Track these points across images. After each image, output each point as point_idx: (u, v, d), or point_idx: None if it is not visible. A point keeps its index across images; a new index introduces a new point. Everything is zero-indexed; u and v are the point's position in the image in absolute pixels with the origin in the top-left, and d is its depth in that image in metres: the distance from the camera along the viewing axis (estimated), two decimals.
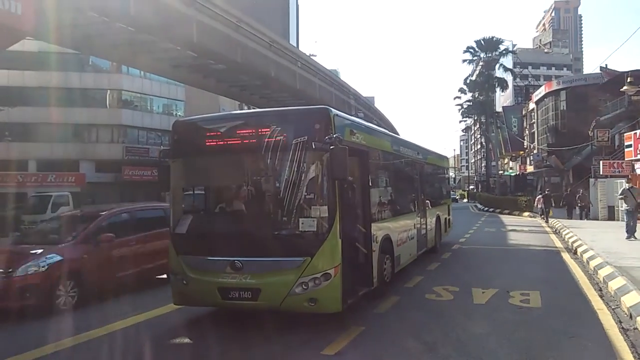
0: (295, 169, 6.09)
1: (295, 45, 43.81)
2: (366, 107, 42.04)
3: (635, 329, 6.02)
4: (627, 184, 14.98)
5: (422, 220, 11.29)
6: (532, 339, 5.76)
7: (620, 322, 6.41)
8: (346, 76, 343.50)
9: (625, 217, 14.46)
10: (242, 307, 6.44)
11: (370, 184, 7.58)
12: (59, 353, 5.77)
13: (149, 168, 34.45)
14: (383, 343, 5.74)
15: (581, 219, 23.65)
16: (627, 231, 13.88)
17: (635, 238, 13.63)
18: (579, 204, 24.42)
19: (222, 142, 6.70)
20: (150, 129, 42.39)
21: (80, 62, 38.09)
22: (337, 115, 6.50)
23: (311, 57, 34.20)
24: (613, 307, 7.21)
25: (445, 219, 14.49)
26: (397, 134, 47.82)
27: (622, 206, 14.72)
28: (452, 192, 61.75)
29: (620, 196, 14.74)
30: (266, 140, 6.23)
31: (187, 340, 6.32)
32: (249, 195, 6.69)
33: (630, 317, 6.46)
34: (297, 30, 78.98)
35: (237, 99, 30.66)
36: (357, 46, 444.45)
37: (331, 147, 5.86)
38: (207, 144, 6.77)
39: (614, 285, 8.10)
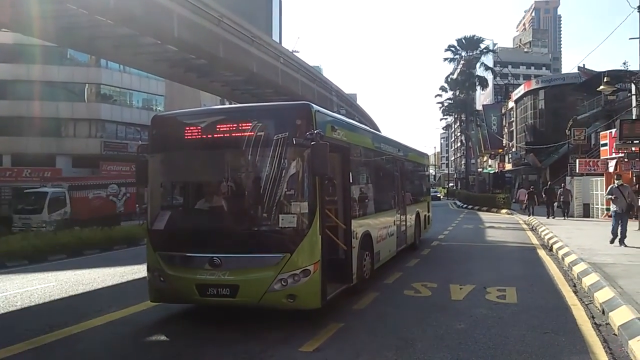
0: (276, 164, 6.08)
1: (278, 41, 43.65)
2: (348, 104, 42.12)
3: (608, 324, 6.17)
4: (616, 181, 12.96)
5: (402, 217, 11.38)
6: (508, 334, 5.86)
7: (593, 317, 6.58)
8: (329, 73, 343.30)
9: (613, 219, 12.52)
10: (220, 304, 6.37)
11: (351, 181, 7.59)
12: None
13: (127, 163, 33.95)
14: (362, 339, 5.77)
15: (563, 216, 22.91)
16: (612, 233, 12.36)
17: (625, 245, 12.02)
18: (561, 200, 23.46)
19: (201, 138, 6.60)
20: (129, 123, 41.83)
21: (58, 55, 37.38)
22: (318, 111, 6.49)
23: (294, 53, 34.11)
24: (586, 302, 7.39)
25: (425, 215, 14.63)
26: (379, 131, 48.09)
27: (612, 207, 12.70)
28: (434, 190, 62.71)
29: (609, 196, 12.74)
30: (247, 135, 6.21)
31: (163, 338, 6.27)
32: (229, 191, 6.61)
33: (603, 312, 6.62)
34: (280, 27, 78.53)
35: (218, 95, 30.42)
36: (340, 43, 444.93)
37: (312, 143, 5.85)
38: (187, 139, 6.66)
39: (587, 281, 8.29)
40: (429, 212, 15.42)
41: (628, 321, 5.71)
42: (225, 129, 6.51)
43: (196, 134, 6.66)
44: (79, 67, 39.50)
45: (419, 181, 15.05)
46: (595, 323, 6.29)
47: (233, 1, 34.59)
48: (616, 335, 5.71)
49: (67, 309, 7.74)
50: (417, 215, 13.31)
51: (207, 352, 5.49)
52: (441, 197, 55.87)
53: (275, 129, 6.16)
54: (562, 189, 23.63)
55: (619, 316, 6.01)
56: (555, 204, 23.87)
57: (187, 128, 6.73)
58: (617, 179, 12.96)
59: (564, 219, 21.95)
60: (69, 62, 39.35)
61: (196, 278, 6.11)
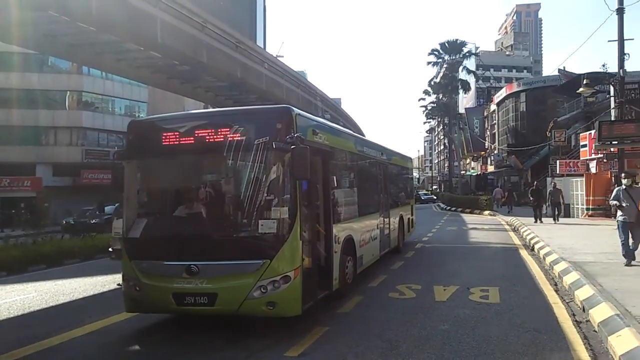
0: (256, 169, 6.00)
1: (262, 46, 43.62)
2: (332, 109, 42.24)
3: (588, 321, 6.29)
4: (624, 180, 9.98)
5: (385, 220, 11.41)
6: (491, 333, 5.93)
7: (574, 315, 6.69)
8: (313, 78, 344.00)
9: (619, 231, 9.70)
10: (198, 313, 6.27)
11: (333, 185, 7.58)
12: None
13: (109, 171, 33.58)
14: (347, 342, 5.79)
15: (554, 219, 20.18)
16: (625, 254, 9.53)
17: (635, 261, 9.46)
18: (551, 200, 20.93)
19: (179, 143, 6.48)
20: (111, 131, 41.40)
21: (38, 62, 36.97)
22: (299, 114, 6.43)
23: (278, 58, 34.15)
24: (567, 300, 7.51)
25: (409, 219, 14.67)
26: (363, 135, 48.28)
27: (618, 216, 9.82)
28: (426, 192, 62.62)
29: (614, 202, 9.79)
30: (225, 140, 6.12)
31: (144, 347, 6.15)
32: (207, 197, 6.49)
33: (583, 310, 6.74)
34: (264, 32, 78.59)
35: (202, 101, 30.30)
36: (325, 48, 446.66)
37: (292, 147, 5.79)
38: (164, 144, 6.53)
39: (568, 279, 8.43)
40: (412, 215, 15.46)
41: (607, 318, 5.82)
42: (203, 133, 6.37)
43: (174, 139, 6.53)
44: (60, 75, 39.09)
45: (402, 184, 15.04)
46: (576, 320, 6.41)
47: (217, 7, 34.66)
48: (596, 331, 5.81)
49: (47, 320, 7.61)
50: (401, 218, 13.34)
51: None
52: (435, 197, 55.74)
53: (255, 133, 6.06)
54: (552, 189, 21.27)
55: (599, 313, 6.13)
56: (544, 205, 21.74)
57: (165, 133, 6.61)
58: (625, 179, 9.97)
59: (555, 223, 19.58)
60: (50, 69, 38.93)
61: (173, 287, 5.97)
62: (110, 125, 41.40)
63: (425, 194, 59.66)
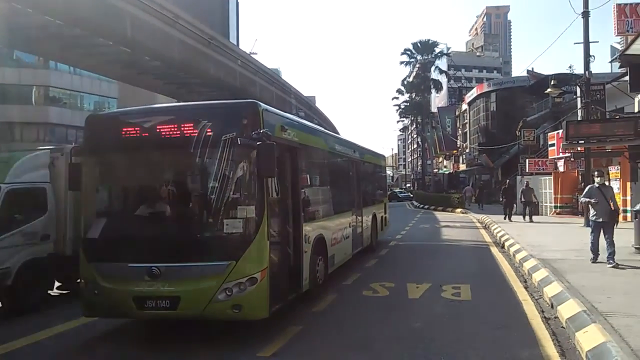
0: (221, 166, 5.75)
1: (235, 43, 43.27)
2: (307, 107, 42.27)
3: (556, 317, 6.42)
4: (597, 179, 9.62)
5: (358, 219, 11.29)
6: (463, 331, 6.00)
7: (543, 311, 6.83)
8: (288, 75, 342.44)
9: (591, 232, 9.50)
10: (160, 317, 5.95)
11: (303, 183, 7.40)
12: None
13: None
14: (320, 341, 5.78)
15: (525, 218, 19.84)
16: (592, 251, 9.38)
17: (616, 263, 9.01)
18: (522, 200, 20.75)
19: (140, 138, 6.18)
20: (80, 127, 39.85)
21: (2, 56, 35.70)
22: (266, 110, 6.18)
23: (252, 55, 33.90)
24: (536, 297, 7.67)
25: (382, 217, 14.61)
26: (338, 133, 48.39)
27: (590, 215, 9.74)
28: (402, 190, 62.82)
29: (586, 199, 9.66)
30: (189, 136, 5.85)
31: (100, 356, 5.82)
32: (169, 196, 6.17)
33: (552, 306, 6.89)
34: (237, 29, 77.86)
35: (174, 97, 29.84)
36: (299, 46, 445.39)
37: (258, 143, 5.57)
38: (124, 140, 6.19)
39: (537, 276, 8.60)
40: (386, 213, 15.44)
41: (575, 314, 5.96)
42: (165, 129, 6.07)
43: (134, 134, 6.22)
44: (25, 69, 37.87)
45: (375, 182, 14.93)
46: (544, 317, 6.54)
47: (189, 3, 34.10)
48: (564, 328, 5.93)
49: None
50: (374, 216, 13.24)
51: None
52: (411, 195, 56.18)
53: (219, 129, 5.77)
54: (524, 187, 21.09)
55: (567, 310, 6.26)
56: (515, 203, 21.67)
57: (124, 128, 6.28)
58: (597, 177, 9.66)
59: (526, 222, 19.26)
60: (15, 63, 37.68)
61: (133, 290, 5.66)
62: (79, 121, 39.73)
63: (402, 192, 60.16)
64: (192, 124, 5.93)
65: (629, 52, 5.90)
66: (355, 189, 11.52)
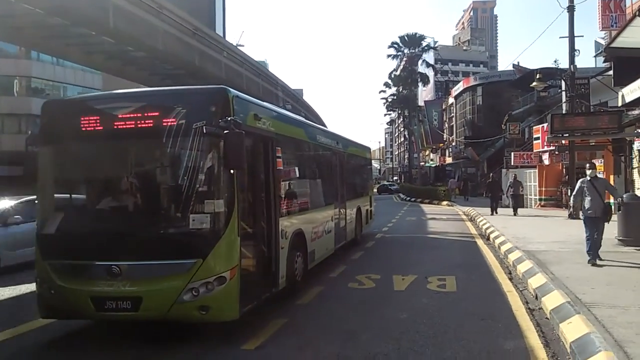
0: (187, 157, 5.42)
1: (221, 35, 42.77)
2: (294, 99, 42.04)
3: (540, 308, 6.45)
4: (588, 172, 9.12)
5: (341, 212, 11.02)
6: (448, 322, 6.00)
7: (527, 302, 6.86)
8: (275, 68, 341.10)
9: (585, 227, 8.92)
10: (120, 319, 5.57)
11: (280, 175, 7.01)
12: None
13: None
14: (305, 334, 5.73)
15: (514, 211, 19.77)
16: (589, 252, 8.71)
17: (599, 259, 8.67)
18: (510, 193, 20.77)
19: (100, 127, 5.70)
20: None
21: None
22: (237, 96, 5.76)
23: (238, 47, 33.58)
24: (521, 288, 7.71)
25: (367, 210, 14.42)
26: (325, 126, 48.25)
27: (585, 209, 8.94)
28: (392, 182, 62.67)
29: (576, 196, 9.20)
30: (153, 124, 5.47)
31: (87, 353, 5.48)
32: (131, 189, 5.76)
33: (536, 297, 6.92)
34: (223, 20, 76.84)
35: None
36: (286, 38, 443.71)
37: (226, 131, 5.16)
38: (83, 128, 5.72)
39: (522, 268, 8.65)
40: (371, 206, 15.28)
41: (559, 305, 5.99)
42: (128, 116, 5.61)
43: (94, 122, 5.74)
44: (7, 59, 37.06)
45: (360, 175, 14.60)
46: (529, 308, 6.57)
47: None
48: (548, 319, 5.96)
49: None
50: (359, 210, 13.04)
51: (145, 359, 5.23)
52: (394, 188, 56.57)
53: (186, 116, 5.36)
54: (512, 180, 20.98)
55: (551, 301, 6.30)
56: (501, 196, 21.95)
57: (84, 116, 5.78)
58: (589, 169, 9.19)
59: (515, 216, 19.13)
60: None
61: (92, 290, 5.29)
62: None
63: (393, 185, 60.59)
64: (156, 111, 5.54)
65: (614, 45, 5.91)
66: (338, 182, 11.21)
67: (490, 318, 6.13)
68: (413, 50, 55.30)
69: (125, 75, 25.48)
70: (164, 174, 5.88)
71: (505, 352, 5.01)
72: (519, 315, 6.22)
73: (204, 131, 5.23)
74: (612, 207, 9.04)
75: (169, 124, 5.39)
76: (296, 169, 8.13)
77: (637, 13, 4.91)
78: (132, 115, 5.63)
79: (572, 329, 5.10)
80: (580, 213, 9.01)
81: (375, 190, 58.64)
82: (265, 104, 7.35)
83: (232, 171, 5.36)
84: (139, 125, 5.57)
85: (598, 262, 8.58)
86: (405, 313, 6.41)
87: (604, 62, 23.76)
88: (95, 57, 22.01)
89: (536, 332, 5.56)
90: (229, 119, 5.25)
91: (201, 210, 5.29)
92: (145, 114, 5.58)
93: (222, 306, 5.30)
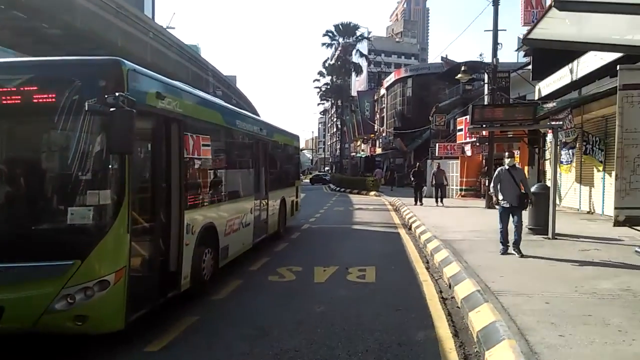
0: (68, 140, 4.72)
1: (151, 16, 40.76)
2: (225, 86, 41.01)
3: (453, 297, 6.61)
4: (507, 160, 9.08)
5: (262, 204, 10.49)
6: (364, 313, 6.00)
7: (441, 292, 7.02)
8: (208, 53, 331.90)
9: (499, 217, 8.88)
10: None
11: (188, 162, 6.42)
12: None
13: None
14: (217, 331, 5.49)
15: (436, 201, 20.14)
16: (502, 241, 8.84)
17: (521, 252, 8.58)
18: (433, 183, 21.15)
19: None
20: None
21: None
22: (134, 70, 5.04)
23: (168, 29, 32.15)
24: (436, 277, 7.90)
25: (293, 201, 13.98)
26: (257, 114, 47.55)
27: (500, 198, 8.87)
28: (324, 172, 62.33)
29: (494, 184, 9.02)
30: (28, 100, 4.69)
31: None
32: None
33: (450, 286, 7.10)
34: (153, 1, 73.56)
35: None
36: (221, 24, 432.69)
37: (111, 109, 4.43)
38: None
39: (438, 257, 8.88)
40: (297, 197, 14.79)
41: (469, 294, 6.15)
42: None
43: None
44: None
45: (286, 164, 13.95)
46: (442, 297, 6.72)
47: None
48: (459, 307, 6.10)
49: None
50: (283, 201, 12.57)
51: None
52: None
53: (70, 92, 4.63)
54: (435, 170, 21.45)
55: (462, 289, 6.47)
56: (425, 186, 22.36)
57: None
58: (508, 158, 9.13)
59: (438, 206, 19.54)
60: None
61: None
62: None
63: (326, 175, 60.97)
64: (34, 85, 4.75)
65: (531, 36, 6.08)
66: (260, 172, 10.59)
67: (405, 308, 6.19)
68: (347, 40, 55.75)
69: (39, 55, 23.43)
70: (40, 159, 5.06)
71: (416, 343, 5.05)
72: (432, 305, 6.33)
73: (87, 109, 4.52)
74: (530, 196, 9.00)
75: (48, 100, 4.69)
76: (209, 156, 7.44)
77: (552, 4, 5.02)
78: (3, 90, 4.78)
79: (480, 318, 5.24)
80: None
81: (308, 180, 59.16)
82: (175, 82, 6.52)
83: (123, 157, 4.67)
84: (11, 101, 4.76)
85: (517, 255, 8.52)
86: (322, 306, 6.34)
87: (524, 56, 25.08)
88: (2, 34, 20.17)
89: (447, 321, 5.67)
90: (117, 95, 4.51)
91: (83, 203, 4.57)
92: (21, 89, 4.76)
93: (103, 315, 4.66)
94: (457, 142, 27.63)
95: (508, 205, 8.80)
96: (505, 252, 8.77)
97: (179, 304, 6.11)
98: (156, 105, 5.52)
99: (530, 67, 21.05)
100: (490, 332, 4.79)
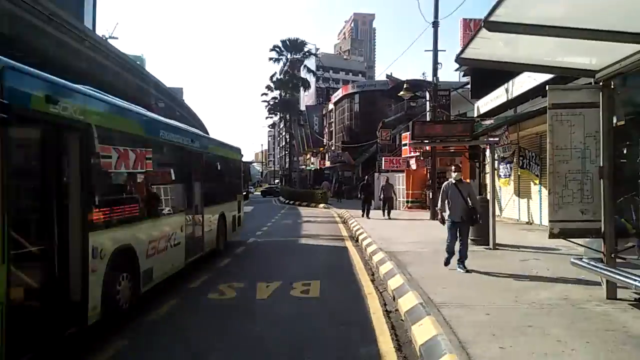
0: None
1: (92, 26, 39.21)
2: (169, 98, 39.84)
3: (397, 310, 6.50)
4: (453, 174, 8.88)
5: (196, 220, 9.68)
6: (306, 330, 5.79)
7: (385, 304, 6.90)
8: (153, 65, 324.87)
9: (448, 232, 8.68)
10: None
11: (93, 177, 5.61)
12: None
13: None
14: (146, 358, 5.09)
15: (384, 214, 20.25)
16: (447, 251, 8.64)
17: (465, 268, 8.38)
18: (381, 197, 21.01)
19: None
20: None
21: None
22: (13, 68, 4.32)
23: (110, 39, 31.09)
24: (381, 290, 7.78)
25: (235, 216, 13.32)
26: (205, 129, 46.57)
27: (449, 213, 8.66)
28: (274, 184, 61.02)
29: (441, 202, 8.88)
30: None
31: None
32: None
33: (394, 299, 6.99)
34: (94, 10, 71.09)
35: None
36: (167, 35, 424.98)
37: None
38: None
39: (383, 269, 8.79)
40: (240, 212, 14.04)
41: (412, 307, 6.05)
42: None
43: None
44: None
45: (226, 178, 13.04)
46: (386, 310, 6.59)
47: None
48: (403, 321, 5.98)
49: None
50: (222, 217, 11.78)
51: None
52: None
53: None
54: (384, 184, 21.35)
55: (406, 302, 6.36)
56: (373, 200, 22.54)
57: None
58: (454, 172, 8.90)
59: (386, 218, 19.57)
60: None
61: None
62: None
63: (278, 187, 60.80)
64: None
65: (463, 55, 6.15)
66: (193, 186, 9.70)
67: (348, 323, 6.02)
68: (295, 55, 55.88)
69: None
70: None
71: (358, 359, 4.87)
72: (375, 319, 6.18)
73: None
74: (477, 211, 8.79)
75: None
76: (123, 170, 6.57)
77: (482, 24, 5.06)
78: None
79: (422, 332, 5.13)
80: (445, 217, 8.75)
81: (259, 192, 58.50)
82: (77, 86, 5.67)
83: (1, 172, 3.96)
84: None
85: (463, 271, 8.29)
86: (263, 325, 6.07)
87: (464, 76, 26.00)
88: None
89: (390, 335, 5.53)
90: None
91: None
92: None
93: None
94: (403, 156, 28.14)
95: (457, 220, 8.58)
96: (448, 262, 8.62)
97: (107, 327, 5.65)
98: (46, 111, 4.72)
99: (469, 86, 21.83)
100: (433, 346, 4.68)
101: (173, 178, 8.79)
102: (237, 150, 14.68)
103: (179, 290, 7.87)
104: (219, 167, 12.28)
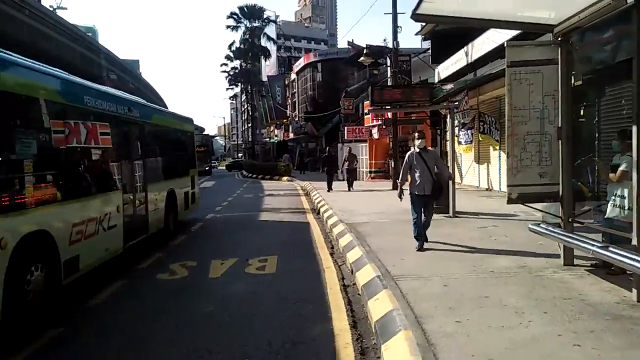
0: None
1: None
2: (121, 69, 38.15)
3: (354, 284, 6.28)
4: (417, 142, 7.87)
5: (137, 199, 8.73)
6: (258, 309, 5.49)
7: (343, 278, 6.68)
8: (107, 36, 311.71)
9: (412, 206, 7.77)
10: None
11: None
12: None
13: None
14: (82, 346, 4.67)
15: (349, 186, 19.69)
16: (416, 234, 7.68)
17: (422, 245, 7.59)
18: (346, 167, 20.46)
19: None
20: None
21: None
22: None
23: (58, 10, 29.21)
24: (340, 264, 7.56)
25: (187, 193, 12.21)
26: (164, 105, 44.96)
27: (414, 185, 7.72)
28: (237, 158, 58.60)
29: (403, 172, 7.95)
30: None
31: None
32: None
33: (352, 272, 6.76)
34: None
35: None
36: (121, 6, 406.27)
37: None
38: None
39: (342, 242, 8.57)
40: (193, 188, 12.89)
41: (369, 280, 5.84)
42: None
43: None
44: None
45: (175, 152, 11.82)
46: (344, 285, 6.37)
47: None
48: (360, 295, 5.77)
49: None
50: (172, 194, 10.75)
51: None
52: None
53: None
54: (347, 154, 20.76)
55: (363, 275, 6.15)
56: (340, 171, 22.10)
57: None
58: (418, 139, 7.87)
59: (350, 191, 19.10)
60: None
61: None
62: None
63: (243, 161, 59.75)
64: None
65: (419, 11, 5.78)
66: (133, 161, 8.77)
67: (303, 300, 5.75)
68: (254, 23, 54.34)
69: None
70: None
71: (311, 339, 4.61)
72: (331, 294, 5.95)
73: None
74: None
75: None
76: (32, 142, 5.57)
77: None
78: None
79: (378, 307, 4.92)
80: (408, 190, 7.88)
81: (224, 167, 57.06)
82: None
83: None
84: None
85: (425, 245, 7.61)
86: (212, 305, 5.72)
87: (424, 40, 25.74)
88: None
89: (346, 312, 5.29)
90: None
91: None
92: None
93: None
94: (365, 125, 27.87)
95: (422, 193, 7.66)
96: (421, 248, 7.53)
97: (45, 314, 5.19)
98: None
99: (430, 51, 21.57)
100: (388, 322, 4.46)
101: (104, 152, 7.69)
102: (189, 121, 13.39)
103: (126, 272, 7.42)
104: (166, 140, 11.22)
